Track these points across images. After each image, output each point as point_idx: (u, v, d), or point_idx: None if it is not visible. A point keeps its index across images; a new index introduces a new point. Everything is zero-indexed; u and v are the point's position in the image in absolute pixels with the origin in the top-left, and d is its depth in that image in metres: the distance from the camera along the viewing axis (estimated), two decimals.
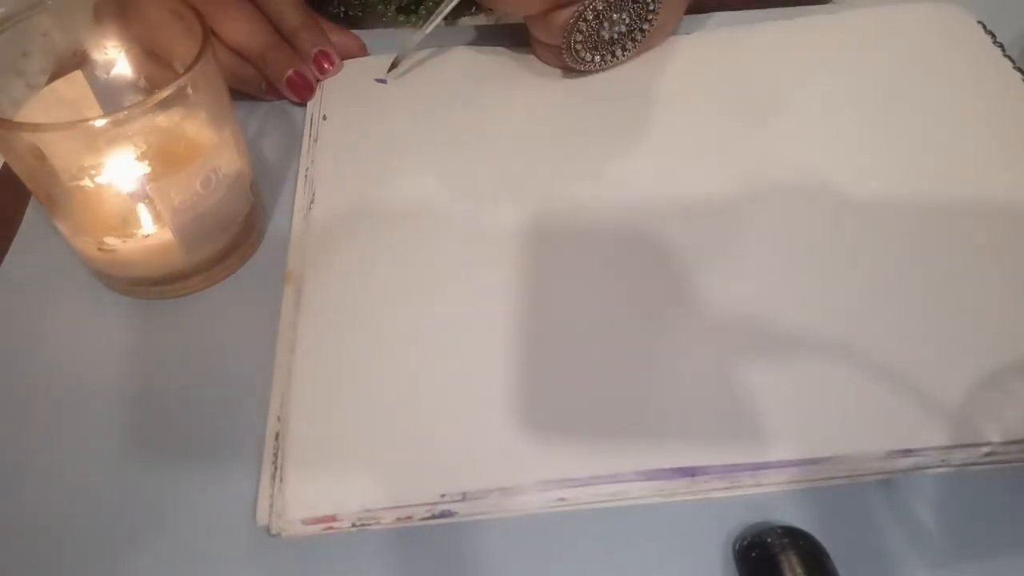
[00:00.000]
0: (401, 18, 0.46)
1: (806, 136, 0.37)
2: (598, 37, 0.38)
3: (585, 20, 0.36)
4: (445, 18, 0.38)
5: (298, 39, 0.40)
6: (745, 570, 0.25)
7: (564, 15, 0.36)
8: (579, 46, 0.38)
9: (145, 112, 0.27)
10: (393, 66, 0.40)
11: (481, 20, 0.46)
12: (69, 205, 0.30)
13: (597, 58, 0.39)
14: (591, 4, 0.36)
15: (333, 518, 0.26)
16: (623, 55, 0.39)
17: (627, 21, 0.38)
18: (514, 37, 0.43)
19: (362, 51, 0.42)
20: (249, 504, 0.27)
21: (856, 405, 0.28)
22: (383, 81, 0.40)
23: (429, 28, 0.38)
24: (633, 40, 0.39)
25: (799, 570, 0.24)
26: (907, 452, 0.27)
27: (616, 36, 0.38)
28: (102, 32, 0.32)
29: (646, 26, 0.38)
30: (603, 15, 0.37)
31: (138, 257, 0.31)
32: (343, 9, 0.46)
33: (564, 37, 0.37)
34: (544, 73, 0.41)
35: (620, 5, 0.37)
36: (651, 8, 0.37)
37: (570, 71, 0.40)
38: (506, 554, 0.26)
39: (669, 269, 0.32)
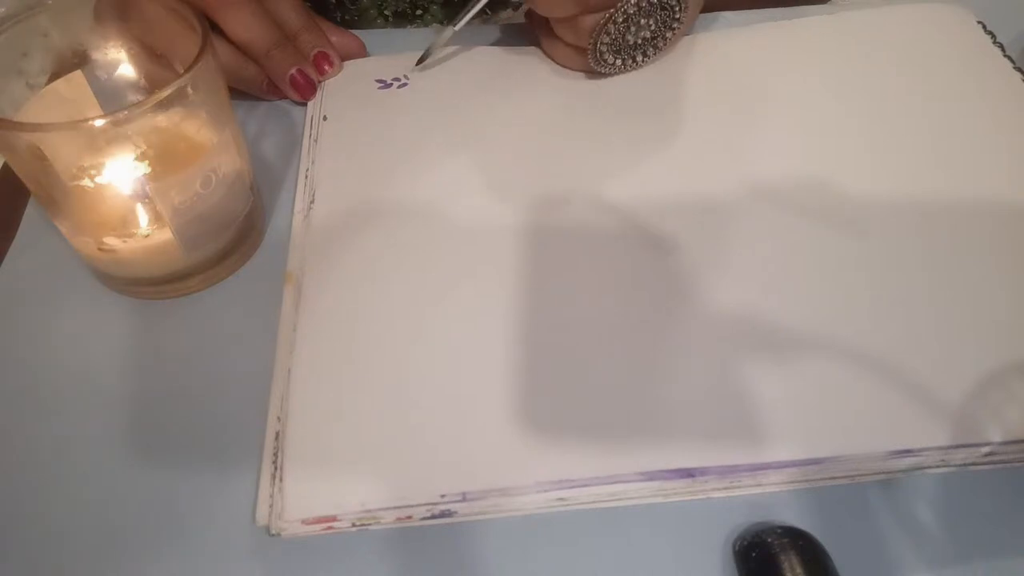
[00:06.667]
0: (392, 23, 0.46)
1: (806, 136, 0.37)
2: (623, 41, 0.38)
3: (615, 23, 0.37)
4: (481, 14, 0.38)
5: (299, 40, 0.40)
6: (745, 570, 0.25)
7: (595, 18, 0.37)
8: (604, 48, 0.38)
9: (145, 112, 0.27)
10: (422, 60, 0.41)
11: (520, 18, 0.46)
12: (69, 205, 0.30)
13: (619, 62, 0.39)
14: (623, 7, 0.36)
15: (333, 518, 0.26)
16: (643, 60, 0.40)
17: (652, 27, 0.38)
18: (515, 40, 0.43)
19: (362, 52, 0.42)
20: (249, 504, 0.27)
21: (856, 405, 0.28)
22: (382, 85, 0.40)
23: (460, 24, 0.39)
24: (655, 47, 0.39)
25: (799, 570, 0.24)
26: (907, 452, 0.27)
27: (640, 41, 0.39)
28: (102, 32, 0.32)
29: (669, 33, 0.39)
30: (632, 19, 0.37)
31: (138, 257, 0.31)
32: (339, 15, 0.46)
33: (591, 39, 0.37)
34: (545, 75, 0.41)
35: (648, 11, 0.37)
36: (676, 16, 0.38)
37: (577, 74, 0.40)
38: (506, 554, 0.26)
39: (670, 269, 0.32)
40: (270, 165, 0.38)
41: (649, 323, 0.30)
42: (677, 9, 0.38)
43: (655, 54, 0.40)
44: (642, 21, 0.38)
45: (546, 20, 0.39)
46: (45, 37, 0.31)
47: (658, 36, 0.39)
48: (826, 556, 0.25)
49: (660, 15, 0.38)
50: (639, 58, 0.40)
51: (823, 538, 0.25)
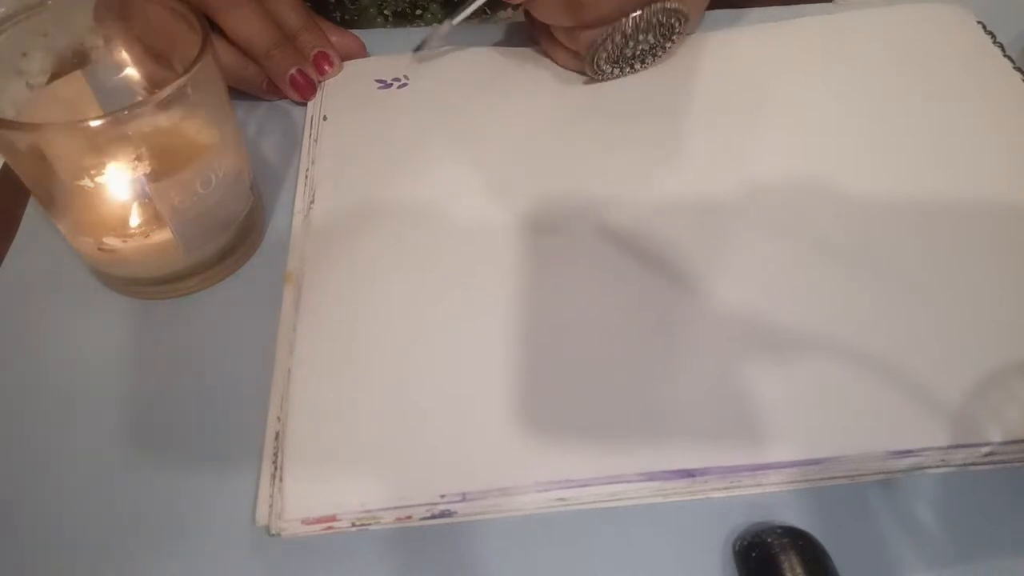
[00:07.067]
0: (392, 21, 0.46)
1: (806, 136, 0.37)
2: (621, 54, 0.38)
3: (612, 41, 0.37)
4: (481, 14, 0.38)
5: (299, 40, 0.40)
6: (745, 570, 0.25)
7: (592, 34, 0.37)
8: (601, 61, 0.38)
9: (145, 112, 0.27)
10: (419, 49, 0.41)
11: (520, 17, 0.46)
12: (69, 205, 0.30)
13: (616, 71, 0.39)
14: (620, 27, 0.36)
15: (333, 518, 0.26)
16: (641, 68, 0.40)
17: (651, 40, 0.38)
18: (516, 40, 0.43)
19: (362, 51, 0.42)
20: (249, 504, 0.27)
21: (856, 405, 0.28)
22: (382, 85, 0.40)
23: (459, 19, 0.39)
24: (653, 56, 0.39)
25: (799, 570, 0.24)
26: (907, 452, 0.27)
27: (639, 52, 0.39)
28: (102, 32, 0.32)
29: (668, 44, 0.39)
30: (630, 37, 0.37)
31: (138, 257, 0.31)
32: (339, 15, 0.46)
33: (588, 54, 0.37)
34: (544, 75, 0.41)
35: (647, 27, 0.37)
36: (675, 30, 0.38)
37: (577, 75, 0.40)
38: (506, 554, 0.26)
39: (670, 270, 0.32)
40: (270, 165, 0.38)
41: (650, 323, 0.30)
42: (676, 25, 0.38)
43: (654, 61, 0.40)
44: (640, 36, 0.37)
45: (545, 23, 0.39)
46: (45, 37, 0.31)
47: (657, 47, 0.39)
48: (826, 556, 0.25)
49: (659, 30, 0.38)
50: (637, 66, 0.40)
51: (823, 538, 0.25)
